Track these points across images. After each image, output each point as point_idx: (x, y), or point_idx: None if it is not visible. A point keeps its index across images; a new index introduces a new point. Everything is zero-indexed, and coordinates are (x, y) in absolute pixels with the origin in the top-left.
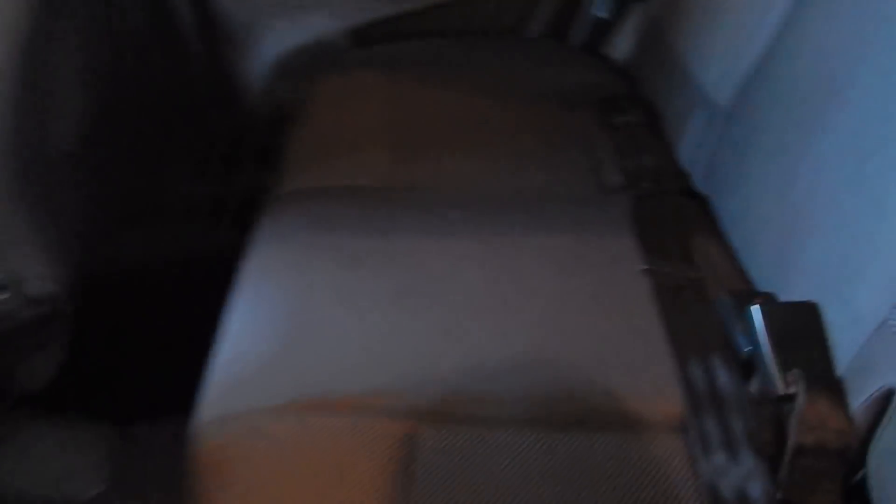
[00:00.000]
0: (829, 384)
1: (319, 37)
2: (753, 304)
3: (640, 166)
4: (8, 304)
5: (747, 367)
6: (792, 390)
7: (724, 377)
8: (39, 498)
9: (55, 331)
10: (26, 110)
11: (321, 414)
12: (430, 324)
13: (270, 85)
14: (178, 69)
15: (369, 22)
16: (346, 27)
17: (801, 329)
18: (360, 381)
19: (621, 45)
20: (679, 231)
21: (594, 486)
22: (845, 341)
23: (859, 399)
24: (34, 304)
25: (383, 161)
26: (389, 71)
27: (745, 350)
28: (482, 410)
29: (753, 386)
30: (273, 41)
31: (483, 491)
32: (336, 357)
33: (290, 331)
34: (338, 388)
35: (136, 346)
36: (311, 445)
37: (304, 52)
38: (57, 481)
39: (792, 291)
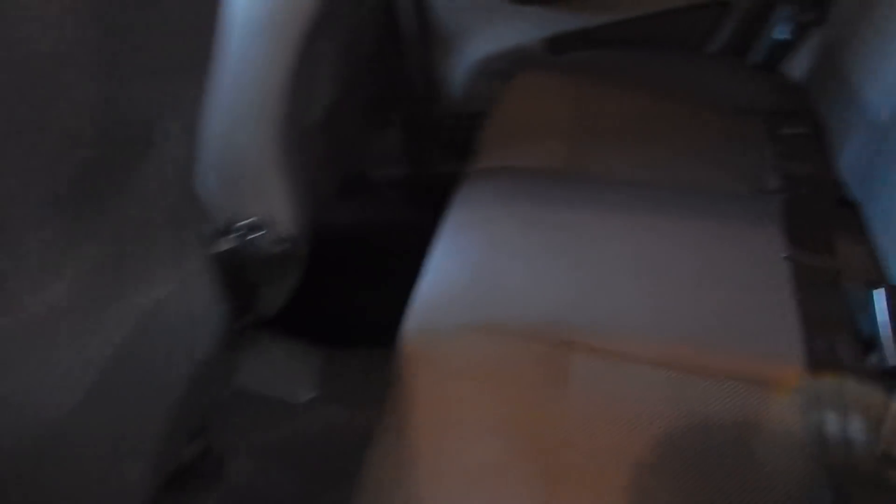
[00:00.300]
0: None
1: (518, 43)
2: (878, 289)
3: (799, 173)
4: (262, 240)
5: (868, 345)
6: None
7: (844, 351)
8: (267, 395)
9: (290, 267)
10: (295, 91)
11: (499, 334)
12: (587, 277)
13: (472, 84)
14: (397, 66)
15: (563, 32)
16: (543, 36)
17: None
18: (530, 313)
19: (796, 64)
20: (825, 229)
21: (708, 423)
22: None
23: None
24: (280, 242)
25: (562, 149)
26: (576, 74)
27: (867, 330)
28: (624, 347)
29: (870, 361)
30: (477, 46)
31: (616, 405)
32: (513, 294)
33: (477, 273)
34: (514, 316)
35: (344, 287)
36: (490, 357)
37: (504, 57)
38: (281, 385)
39: None
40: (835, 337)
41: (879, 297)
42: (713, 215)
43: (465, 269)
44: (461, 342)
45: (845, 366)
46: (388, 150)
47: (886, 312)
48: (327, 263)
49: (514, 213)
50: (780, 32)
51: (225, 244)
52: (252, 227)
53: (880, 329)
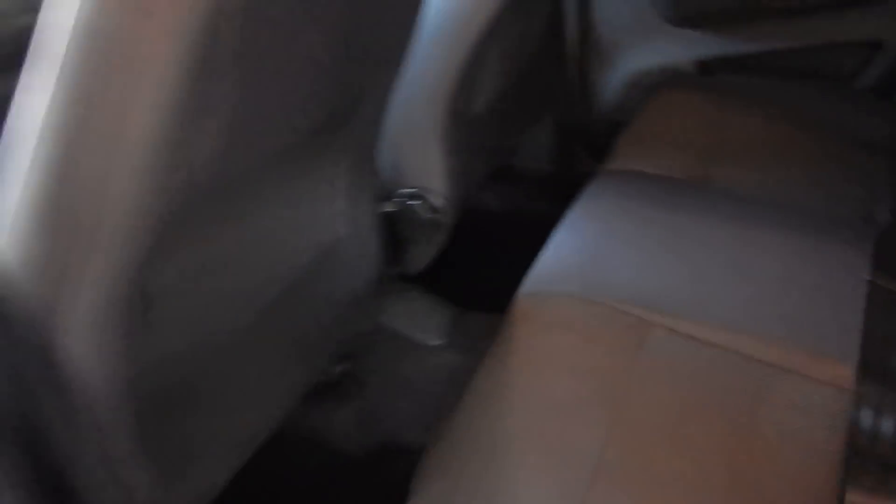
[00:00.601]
0: None
1: (671, 61)
2: None
3: None
4: (418, 208)
5: None
6: None
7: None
8: (404, 335)
9: (437, 233)
10: (462, 87)
11: (592, 305)
12: (682, 272)
13: (623, 94)
14: (555, 71)
15: (715, 56)
16: (695, 57)
17: None
18: (624, 293)
19: None
20: None
21: (757, 404)
22: None
23: None
24: (432, 212)
25: (688, 162)
26: (718, 96)
27: None
28: (697, 331)
29: None
30: (633, 60)
31: (678, 376)
32: (614, 277)
33: (588, 255)
34: (610, 293)
35: (477, 257)
36: (580, 321)
37: (656, 73)
38: (416, 329)
39: None
40: (891, 354)
41: None
42: (810, 233)
43: (578, 250)
44: (560, 307)
45: (892, 377)
46: (538, 146)
47: None
48: (467, 235)
49: (632, 210)
50: None
51: (389, 206)
52: (412, 196)
53: None
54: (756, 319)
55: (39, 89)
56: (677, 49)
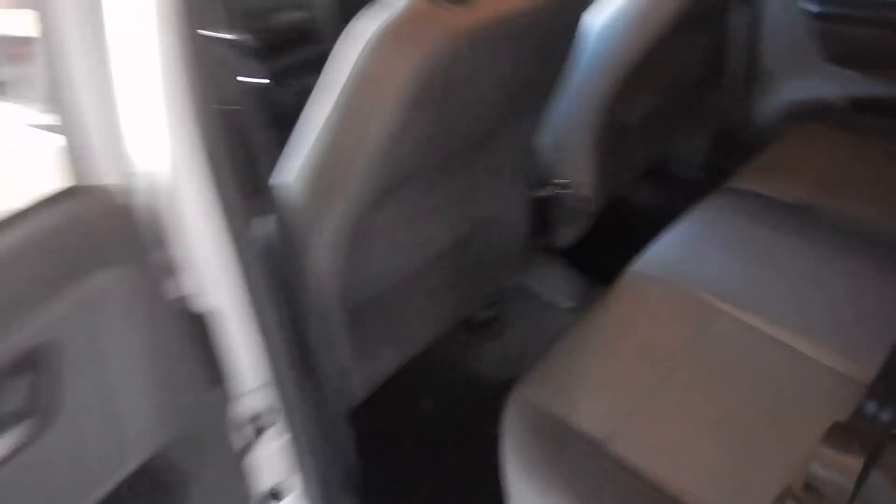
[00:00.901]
0: None
1: (823, 96)
2: None
3: None
4: (568, 196)
5: None
6: None
7: None
8: (541, 296)
9: (581, 218)
10: (615, 105)
11: (676, 290)
12: (764, 278)
13: (774, 120)
14: (715, 93)
15: (867, 95)
16: (847, 94)
17: None
18: (708, 286)
19: None
20: None
21: (781, 380)
22: None
23: None
24: (578, 200)
25: (802, 188)
26: (853, 133)
27: None
28: (753, 321)
29: None
30: (790, 90)
31: (731, 357)
32: (707, 272)
33: (690, 251)
34: (696, 285)
35: (610, 242)
36: (663, 302)
37: (807, 104)
38: (552, 292)
39: None
40: None
41: None
42: (885, 262)
43: (679, 246)
44: (652, 285)
45: None
46: (694, 155)
47: None
48: (614, 222)
49: (734, 223)
50: None
51: (544, 191)
52: (563, 186)
53: None
54: (805, 320)
55: (323, 103)
56: (832, 86)
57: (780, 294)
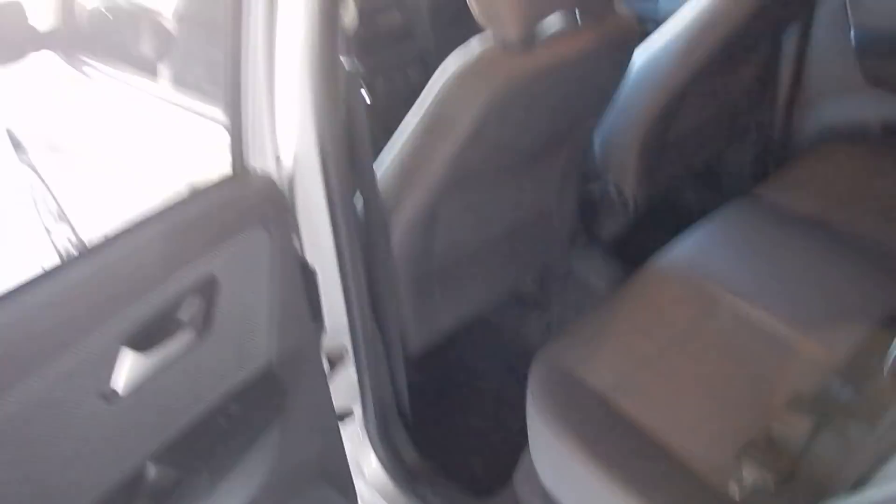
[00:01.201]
0: None
1: (861, 119)
2: None
3: None
4: (612, 192)
5: None
6: None
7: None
8: (584, 281)
9: (624, 214)
10: (659, 123)
11: (688, 280)
12: (766, 271)
13: (811, 137)
14: (759, 110)
15: None
16: (882, 118)
17: None
18: (720, 278)
19: None
20: None
21: (766, 363)
22: None
23: None
24: (622, 196)
25: (817, 202)
26: (878, 155)
27: None
28: (750, 310)
29: None
30: (829, 110)
31: (727, 337)
32: (719, 266)
33: (707, 247)
34: (711, 279)
35: (649, 232)
36: (682, 289)
37: (845, 124)
38: (594, 276)
39: None
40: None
41: None
42: (883, 271)
43: (699, 242)
44: (669, 274)
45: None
46: (738, 161)
47: None
48: (659, 218)
49: (751, 226)
50: None
51: (592, 188)
52: (610, 185)
53: None
54: (792, 311)
55: (415, 116)
56: (870, 109)
57: (775, 288)
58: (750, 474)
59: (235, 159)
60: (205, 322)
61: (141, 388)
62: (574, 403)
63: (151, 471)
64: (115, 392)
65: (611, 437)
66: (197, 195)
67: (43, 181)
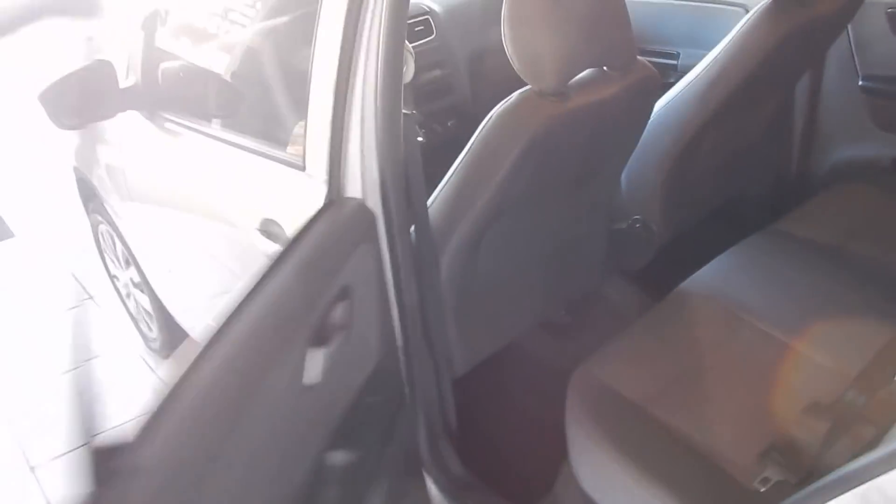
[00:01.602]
0: None
1: (872, 157)
2: None
3: None
4: (639, 230)
5: None
6: None
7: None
8: (612, 299)
9: (649, 247)
10: (680, 162)
11: (715, 303)
12: (784, 296)
13: (825, 175)
14: (775, 151)
15: None
16: (892, 157)
17: None
18: (741, 302)
19: None
20: None
21: (787, 378)
22: None
23: None
24: (647, 232)
25: (832, 234)
26: (888, 191)
27: None
28: (770, 329)
29: None
30: (842, 150)
31: (747, 354)
32: (739, 290)
33: (728, 274)
34: (731, 299)
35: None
36: (705, 311)
37: (857, 164)
38: (620, 297)
39: None
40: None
41: None
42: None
43: (721, 270)
44: (694, 298)
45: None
46: (759, 195)
47: None
48: (682, 250)
49: (769, 254)
50: None
51: (620, 224)
52: (636, 221)
53: None
54: (809, 330)
55: (463, 156)
56: (880, 149)
57: (794, 311)
58: (773, 474)
59: (332, 189)
60: (348, 324)
61: (318, 382)
62: (612, 412)
63: (332, 457)
64: (306, 385)
65: (646, 441)
66: (314, 221)
67: (114, 226)
